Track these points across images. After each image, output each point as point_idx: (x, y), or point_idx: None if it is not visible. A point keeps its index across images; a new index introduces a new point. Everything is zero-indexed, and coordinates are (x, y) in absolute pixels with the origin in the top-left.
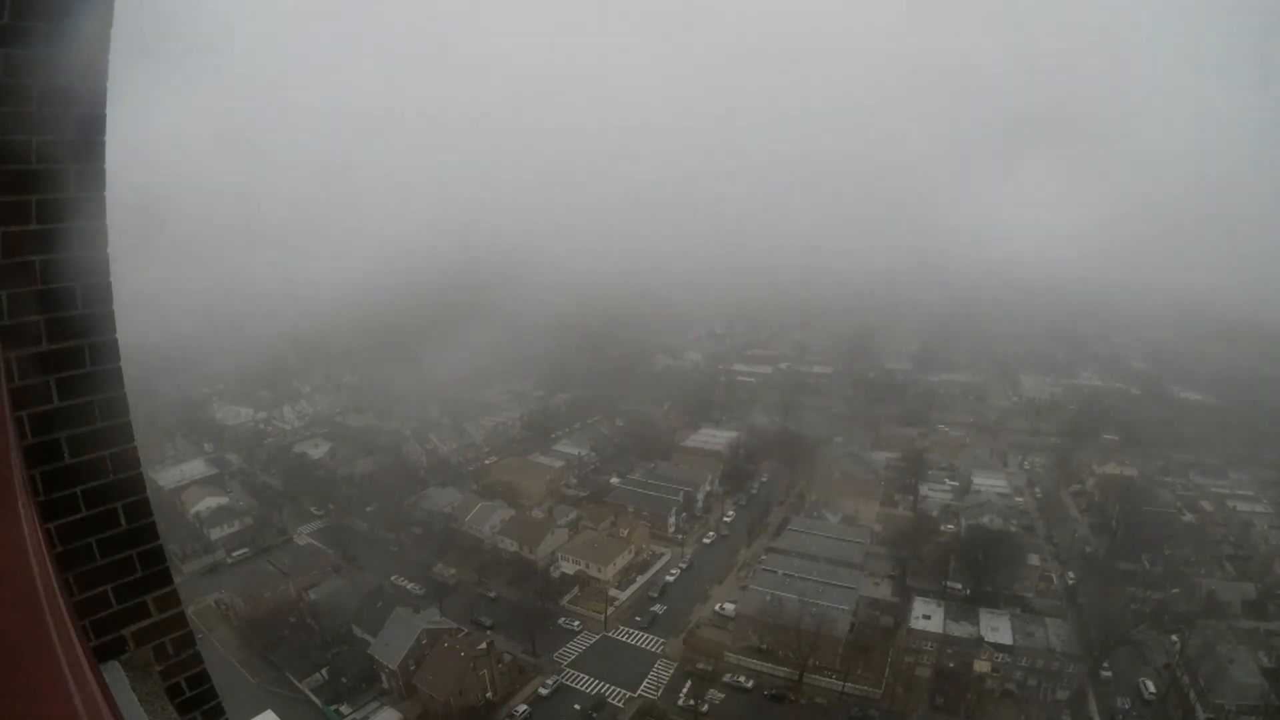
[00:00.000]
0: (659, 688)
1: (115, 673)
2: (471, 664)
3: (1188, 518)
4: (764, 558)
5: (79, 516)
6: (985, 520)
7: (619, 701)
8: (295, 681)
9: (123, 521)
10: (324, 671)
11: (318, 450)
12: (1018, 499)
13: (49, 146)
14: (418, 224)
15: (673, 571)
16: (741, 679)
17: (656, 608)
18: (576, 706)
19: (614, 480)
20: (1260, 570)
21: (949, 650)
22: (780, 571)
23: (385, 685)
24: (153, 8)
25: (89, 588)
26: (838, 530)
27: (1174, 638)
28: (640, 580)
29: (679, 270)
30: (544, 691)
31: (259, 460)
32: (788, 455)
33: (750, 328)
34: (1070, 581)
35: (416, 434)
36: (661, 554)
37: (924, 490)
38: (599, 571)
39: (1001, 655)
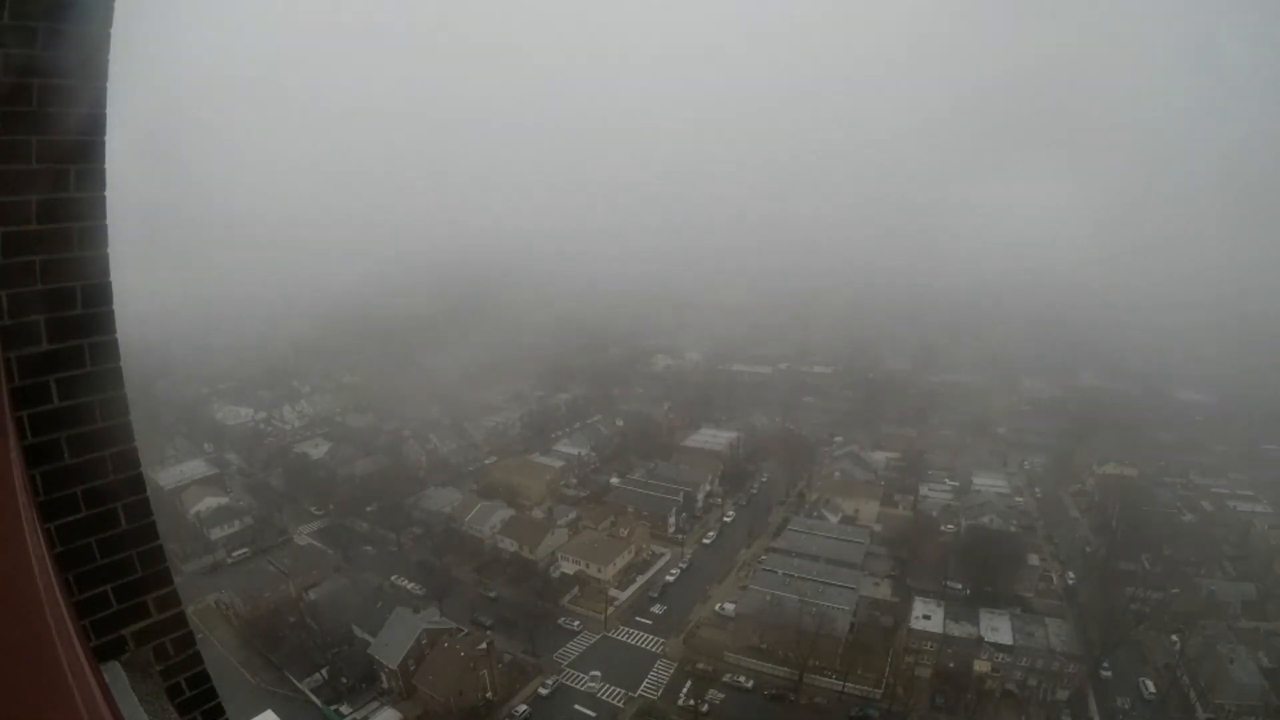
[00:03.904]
0: (659, 688)
1: (115, 673)
2: (471, 664)
3: (1188, 518)
4: (764, 558)
5: (79, 516)
6: (985, 520)
7: (619, 702)
8: (295, 681)
9: (123, 521)
10: (324, 671)
11: (318, 450)
12: (1018, 499)
13: (49, 146)
14: (418, 224)
15: (673, 571)
16: (741, 679)
17: (656, 608)
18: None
19: (614, 480)
20: (1260, 570)
21: (949, 650)
22: (780, 571)
23: (385, 685)
24: (154, 6)
25: (89, 588)
26: (838, 530)
27: (1174, 638)
28: (640, 580)
29: (679, 270)
30: (544, 691)
31: (259, 460)
32: (788, 455)
33: (750, 328)
34: (1070, 581)
35: (416, 434)
36: (661, 554)
37: (924, 490)
38: (599, 571)
39: (1001, 655)
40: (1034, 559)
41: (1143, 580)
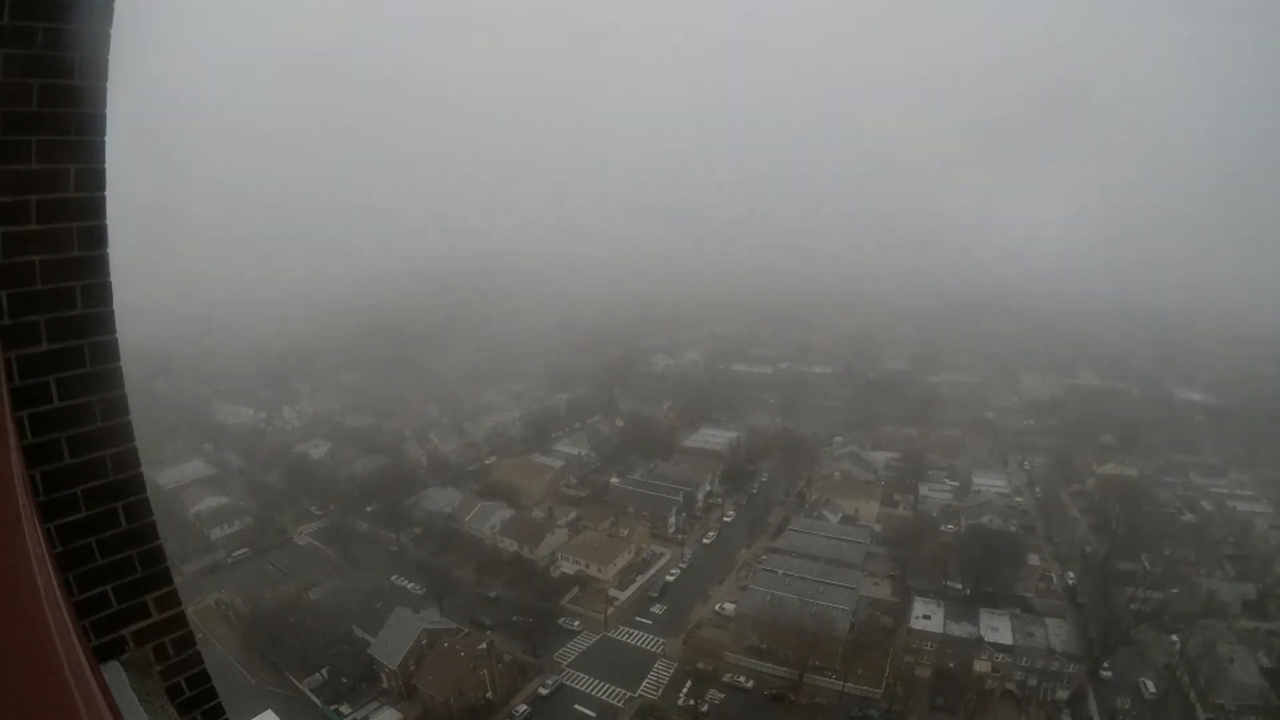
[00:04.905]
0: (659, 688)
1: (115, 673)
2: (471, 664)
3: (1188, 518)
4: (764, 558)
5: (79, 516)
6: (985, 520)
7: (619, 702)
8: (295, 681)
9: (123, 521)
10: (324, 671)
11: (318, 450)
12: (1018, 499)
13: (49, 146)
14: (419, 224)
15: (673, 571)
16: (741, 679)
17: (656, 608)
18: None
19: (614, 480)
20: (1260, 570)
21: (949, 650)
22: (780, 571)
23: (385, 685)
24: (154, 6)
25: (89, 588)
26: (838, 530)
27: (1174, 638)
28: (640, 580)
29: (679, 270)
30: (544, 691)
31: (259, 460)
32: (788, 455)
33: (750, 328)
34: (1070, 581)
35: (416, 434)
36: (661, 554)
37: (924, 490)
38: (599, 571)
39: (1001, 655)
40: (1034, 559)
41: (1143, 580)
